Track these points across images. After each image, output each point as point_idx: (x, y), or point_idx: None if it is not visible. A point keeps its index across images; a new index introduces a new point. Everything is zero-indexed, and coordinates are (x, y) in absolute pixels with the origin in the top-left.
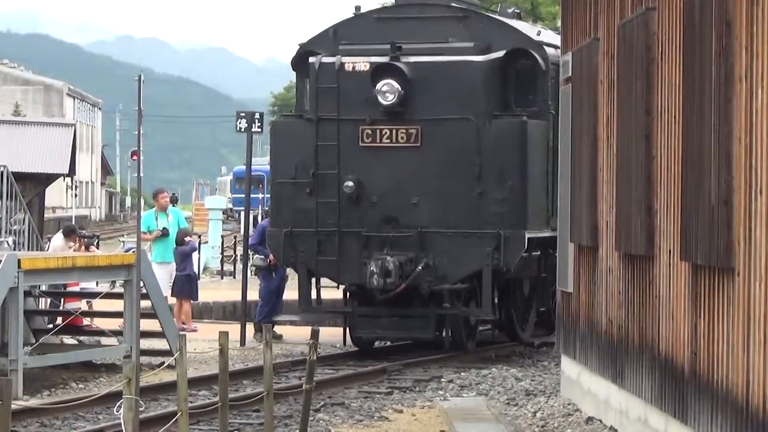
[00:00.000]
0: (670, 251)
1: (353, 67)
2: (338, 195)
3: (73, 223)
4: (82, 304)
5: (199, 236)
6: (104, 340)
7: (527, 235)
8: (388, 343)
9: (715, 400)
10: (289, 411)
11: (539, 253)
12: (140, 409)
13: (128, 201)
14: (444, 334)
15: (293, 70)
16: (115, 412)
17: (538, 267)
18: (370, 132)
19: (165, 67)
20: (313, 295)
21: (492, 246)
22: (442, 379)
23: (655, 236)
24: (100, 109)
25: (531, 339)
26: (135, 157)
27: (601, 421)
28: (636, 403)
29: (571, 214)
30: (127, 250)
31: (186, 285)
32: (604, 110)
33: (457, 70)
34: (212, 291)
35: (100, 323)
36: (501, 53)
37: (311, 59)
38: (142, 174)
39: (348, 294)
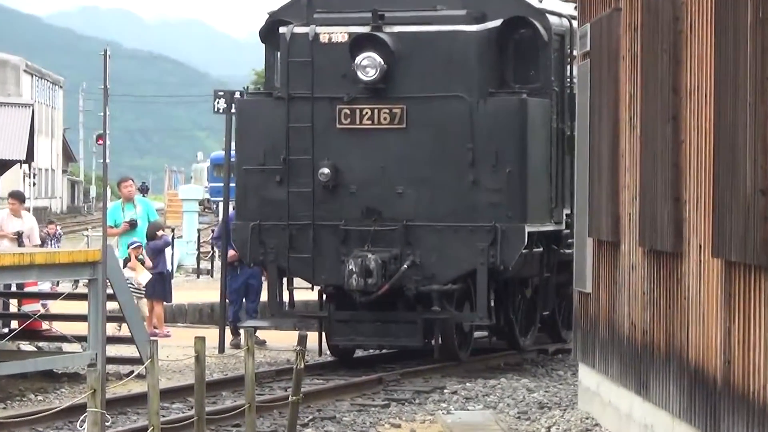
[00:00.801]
0: (700, 247)
1: (329, 38)
2: (312, 183)
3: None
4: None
5: (173, 230)
6: (66, 347)
7: (527, 229)
8: (372, 352)
9: (751, 413)
10: (274, 426)
11: (542, 249)
12: (106, 423)
13: (93, 191)
14: (433, 341)
15: (262, 42)
16: (78, 427)
17: (540, 265)
18: (348, 112)
19: (135, 41)
20: (286, 298)
21: (487, 241)
22: (445, 390)
23: (684, 230)
24: (61, 87)
25: (533, 347)
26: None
27: None
28: (662, 417)
29: (590, 206)
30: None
31: (158, 285)
32: (626, 89)
33: (447, 41)
34: (187, 291)
35: (61, 327)
36: (497, 22)
37: (282, 29)
38: (108, 160)
39: (324, 296)
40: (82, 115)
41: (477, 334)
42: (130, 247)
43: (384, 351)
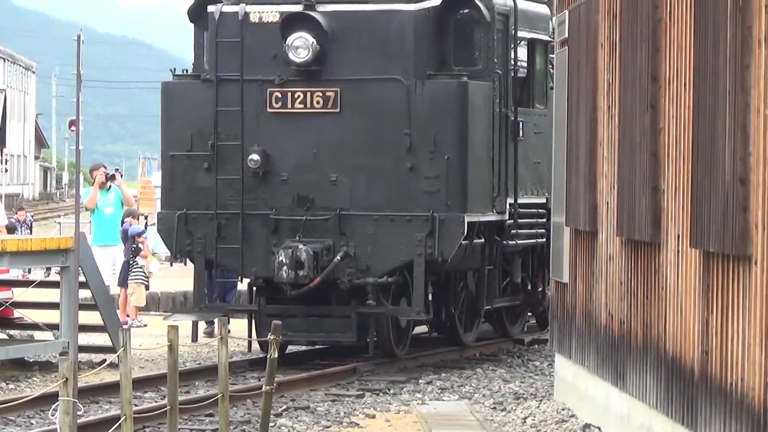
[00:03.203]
0: (678, 237)
1: (260, 18)
2: (242, 171)
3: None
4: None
5: (146, 217)
6: (38, 335)
7: (467, 219)
8: (305, 348)
9: (729, 405)
10: (247, 415)
11: (483, 240)
12: (78, 412)
13: (66, 177)
14: (368, 337)
15: (191, 21)
16: (50, 417)
17: (482, 257)
18: (279, 95)
19: (109, 26)
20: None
21: (425, 232)
22: (420, 381)
23: (662, 220)
24: (33, 72)
25: (475, 343)
26: (73, 128)
27: (599, 428)
28: (639, 409)
29: (567, 195)
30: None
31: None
32: (604, 77)
33: (383, 20)
34: (160, 279)
35: (33, 315)
36: (437, 1)
37: (210, 8)
38: (81, 147)
39: (254, 289)
40: (54, 100)
41: (418, 329)
42: (137, 236)
43: (317, 347)
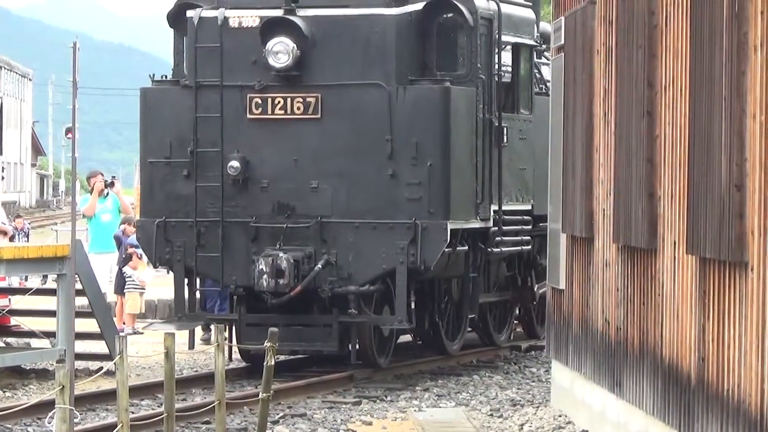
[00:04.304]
0: (674, 243)
1: (239, 23)
2: (221, 178)
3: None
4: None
5: None
6: (35, 342)
7: (450, 226)
8: (287, 357)
9: (725, 411)
10: (244, 423)
11: (467, 248)
12: (75, 420)
13: (62, 184)
14: (350, 346)
15: (171, 26)
16: (47, 424)
17: (466, 265)
18: (259, 101)
19: (105, 33)
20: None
21: (407, 239)
22: (417, 388)
23: (658, 226)
24: (30, 80)
25: (460, 352)
26: (70, 135)
27: None
28: (636, 415)
29: (563, 201)
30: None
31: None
32: (600, 83)
33: (364, 25)
34: (157, 287)
35: (29, 323)
36: (419, 5)
37: (189, 13)
38: (77, 154)
39: (234, 298)
40: (51, 108)
41: (404, 338)
42: (130, 249)
43: (299, 356)
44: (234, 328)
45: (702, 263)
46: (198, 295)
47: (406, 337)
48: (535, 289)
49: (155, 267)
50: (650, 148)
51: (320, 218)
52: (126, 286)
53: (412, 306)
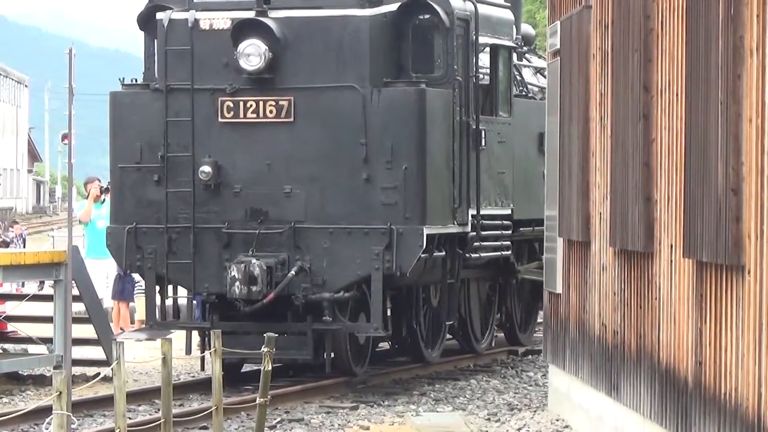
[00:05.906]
0: (671, 247)
1: (210, 25)
2: (193, 183)
3: None
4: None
5: None
6: (32, 348)
7: (426, 231)
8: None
9: (723, 415)
10: (242, 428)
11: (444, 253)
12: (72, 426)
13: (59, 191)
14: (325, 354)
15: (141, 29)
16: (44, 430)
17: (443, 271)
18: (231, 104)
19: (102, 40)
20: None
21: (382, 245)
22: (415, 392)
23: (655, 230)
24: (26, 86)
25: (440, 360)
26: (66, 141)
27: None
28: (633, 419)
29: (560, 206)
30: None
31: (127, 285)
32: (596, 87)
33: (338, 26)
34: None
35: (26, 329)
36: (393, 6)
37: (159, 15)
38: (73, 160)
39: (207, 305)
40: (47, 114)
41: (382, 345)
42: None
43: (274, 365)
44: (206, 335)
45: (699, 267)
46: (170, 302)
47: (388, 344)
48: (519, 269)
49: (125, 274)
50: (646, 152)
51: (294, 224)
52: (135, 292)
53: (389, 313)
